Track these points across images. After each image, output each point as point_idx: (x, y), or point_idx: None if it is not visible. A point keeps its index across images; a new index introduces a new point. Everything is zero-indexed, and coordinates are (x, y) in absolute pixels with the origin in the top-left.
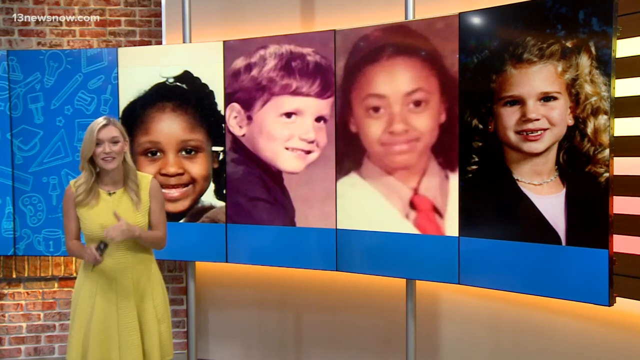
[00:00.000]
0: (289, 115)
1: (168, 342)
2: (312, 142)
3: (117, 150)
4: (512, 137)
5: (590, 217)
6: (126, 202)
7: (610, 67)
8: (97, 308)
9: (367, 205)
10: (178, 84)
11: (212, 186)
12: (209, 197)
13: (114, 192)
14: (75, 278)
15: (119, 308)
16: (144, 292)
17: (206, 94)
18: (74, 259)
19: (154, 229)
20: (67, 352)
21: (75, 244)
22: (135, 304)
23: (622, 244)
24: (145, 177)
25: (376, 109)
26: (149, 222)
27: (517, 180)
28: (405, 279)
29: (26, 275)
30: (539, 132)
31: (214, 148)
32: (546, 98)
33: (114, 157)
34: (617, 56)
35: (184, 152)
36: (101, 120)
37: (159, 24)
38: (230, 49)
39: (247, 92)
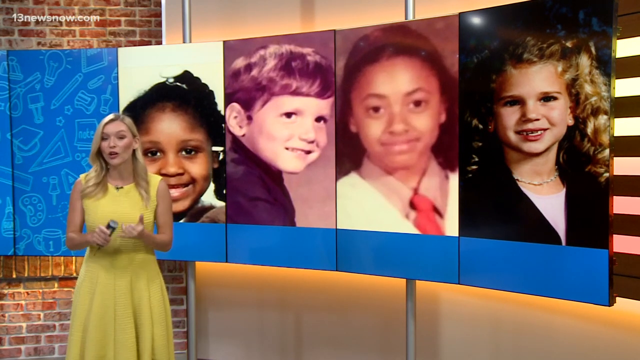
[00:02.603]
0: (289, 115)
1: (163, 347)
2: (312, 142)
3: (122, 145)
4: (512, 137)
5: (590, 217)
6: (135, 197)
7: (610, 67)
8: (95, 306)
9: (367, 205)
10: (178, 84)
11: (212, 186)
12: (209, 197)
13: (121, 187)
14: (75, 278)
15: (116, 306)
16: (142, 293)
17: (206, 94)
18: (74, 259)
19: (160, 230)
20: (67, 350)
21: (76, 232)
22: (132, 304)
23: (622, 244)
24: (154, 177)
25: (376, 109)
26: (156, 223)
27: (517, 180)
28: (405, 279)
29: (26, 275)
30: (539, 132)
31: (214, 148)
32: (546, 98)
33: (118, 153)
34: (617, 56)
35: (184, 152)
36: (110, 116)
37: (159, 24)
38: (230, 49)
39: (247, 92)
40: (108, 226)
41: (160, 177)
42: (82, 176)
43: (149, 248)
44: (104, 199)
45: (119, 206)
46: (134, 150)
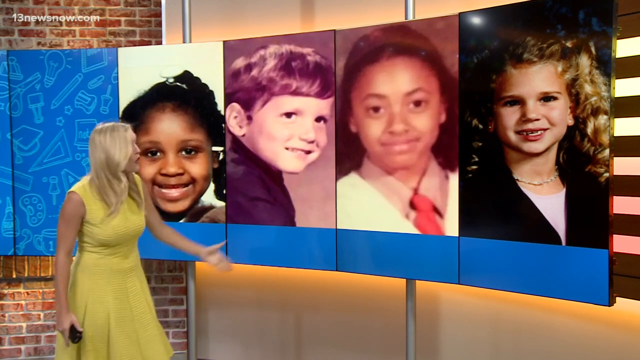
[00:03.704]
0: (289, 115)
1: (166, 340)
2: (312, 142)
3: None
4: (512, 137)
5: (590, 217)
6: (131, 203)
7: (610, 67)
8: (114, 312)
9: (367, 205)
10: (178, 84)
11: (212, 186)
12: (209, 197)
13: None
14: None
15: (132, 308)
16: (145, 290)
17: (206, 94)
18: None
19: (157, 224)
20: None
21: (66, 275)
22: (145, 300)
23: (622, 244)
24: (135, 176)
25: (376, 109)
26: (149, 219)
27: (517, 180)
28: (405, 279)
29: (26, 275)
30: (539, 132)
31: (214, 148)
32: (546, 98)
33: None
34: (617, 56)
35: (184, 152)
36: (121, 124)
37: (159, 24)
38: (230, 49)
39: (247, 92)
40: (74, 336)
41: (137, 176)
42: (80, 192)
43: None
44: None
45: (125, 217)
46: None
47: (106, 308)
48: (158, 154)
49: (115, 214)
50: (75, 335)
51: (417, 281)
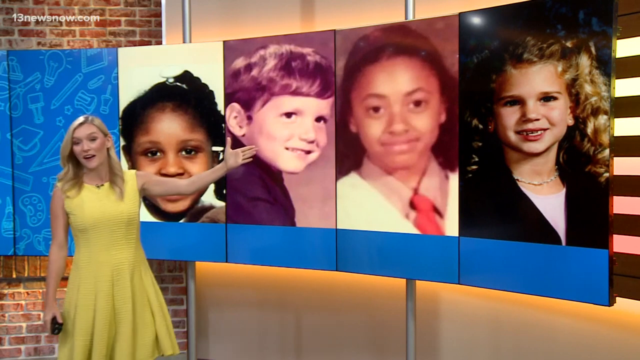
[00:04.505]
0: (289, 115)
1: (168, 337)
2: (312, 142)
3: (95, 147)
4: (512, 137)
5: (590, 217)
6: (112, 194)
7: (610, 67)
8: (100, 307)
9: (367, 205)
10: (178, 84)
11: (212, 186)
12: (209, 197)
13: (102, 185)
14: None
15: (115, 302)
16: (136, 287)
17: (206, 94)
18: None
19: (174, 184)
20: (69, 354)
21: (55, 268)
22: (131, 298)
23: (622, 244)
24: (129, 172)
25: (376, 109)
26: (165, 186)
27: (517, 180)
28: (405, 279)
29: (26, 275)
30: (539, 132)
31: (214, 148)
32: (546, 98)
33: (93, 155)
34: (617, 56)
35: (184, 152)
36: (80, 119)
37: (159, 24)
38: (230, 49)
39: (247, 92)
40: (54, 327)
41: (134, 171)
42: (58, 184)
43: (138, 245)
44: (88, 198)
45: (102, 203)
46: (107, 149)
47: (93, 307)
48: (158, 154)
49: (75, 198)
50: (54, 327)
51: (417, 281)
